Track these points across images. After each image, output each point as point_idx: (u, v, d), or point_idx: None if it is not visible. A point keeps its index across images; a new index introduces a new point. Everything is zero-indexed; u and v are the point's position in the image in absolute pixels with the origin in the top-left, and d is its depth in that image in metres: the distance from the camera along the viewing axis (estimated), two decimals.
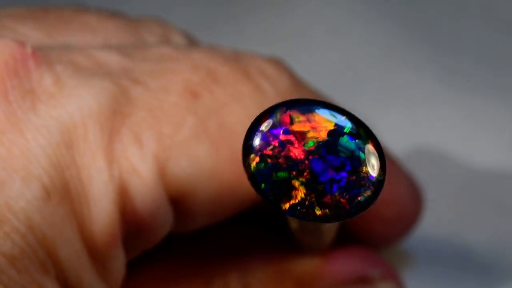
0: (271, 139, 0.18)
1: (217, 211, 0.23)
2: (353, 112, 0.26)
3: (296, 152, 0.18)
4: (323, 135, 0.18)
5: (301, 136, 0.18)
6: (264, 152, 0.18)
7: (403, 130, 0.31)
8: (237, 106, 0.22)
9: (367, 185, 0.18)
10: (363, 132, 0.18)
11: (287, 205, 0.18)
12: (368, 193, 0.18)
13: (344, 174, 0.18)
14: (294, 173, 0.18)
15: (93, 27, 0.24)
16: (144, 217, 0.21)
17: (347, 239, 0.26)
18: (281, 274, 0.25)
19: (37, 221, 0.19)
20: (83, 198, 0.20)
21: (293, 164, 0.18)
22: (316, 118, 0.18)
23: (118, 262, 0.21)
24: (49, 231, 0.20)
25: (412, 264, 0.29)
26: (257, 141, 0.18)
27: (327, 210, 0.18)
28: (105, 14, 0.24)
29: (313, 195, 0.18)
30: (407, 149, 0.30)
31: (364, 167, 0.18)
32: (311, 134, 0.18)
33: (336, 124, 0.18)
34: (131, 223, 0.21)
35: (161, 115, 0.21)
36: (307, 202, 0.18)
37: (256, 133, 0.18)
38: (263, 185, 0.18)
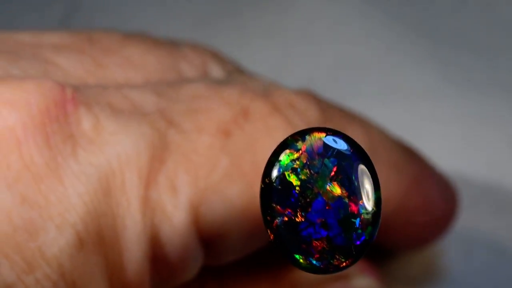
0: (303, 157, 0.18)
1: (249, 245, 0.23)
2: (353, 111, 0.26)
3: (317, 183, 0.18)
4: (343, 192, 0.18)
5: (329, 174, 0.18)
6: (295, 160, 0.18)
7: (403, 126, 0.31)
8: (268, 140, 0.22)
9: (326, 257, 0.18)
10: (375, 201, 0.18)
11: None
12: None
13: (323, 234, 0.18)
14: (299, 197, 0.18)
15: (135, 62, 0.23)
16: (175, 263, 0.21)
17: (379, 242, 0.26)
18: (257, 273, 0.25)
19: (68, 269, 0.19)
20: (115, 247, 0.20)
21: (306, 187, 0.18)
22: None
23: None
24: (80, 280, 0.19)
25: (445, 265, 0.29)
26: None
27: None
28: (149, 45, 0.24)
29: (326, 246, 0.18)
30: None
31: (339, 246, 0.18)
32: (336, 187, 0.18)
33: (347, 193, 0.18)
34: (161, 270, 0.21)
35: (195, 157, 0.21)
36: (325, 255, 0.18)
37: (288, 147, 0.18)
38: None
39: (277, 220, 0.18)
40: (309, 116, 0.23)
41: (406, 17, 0.36)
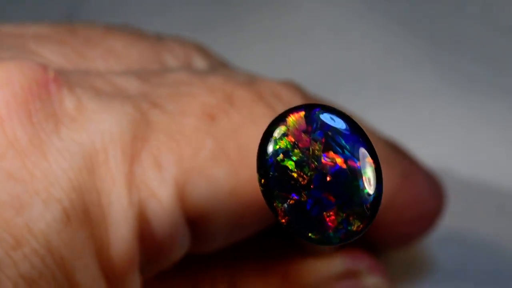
0: (296, 131, 0.18)
1: (236, 231, 0.23)
2: (355, 114, 0.26)
3: (313, 155, 0.18)
4: (342, 163, 0.18)
5: (327, 146, 0.18)
6: (288, 139, 0.18)
7: (403, 127, 0.31)
8: (253, 127, 0.22)
9: (340, 228, 0.18)
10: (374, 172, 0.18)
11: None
12: (337, 234, 0.18)
13: (331, 205, 0.18)
14: (299, 171, 0.18)
15: (118, 53, 0.24)
16: (162, 241, 0.21)
17: (366, 240, 0.26)
18: (269, 272, 0.25)
19: (56, 244, 0.19)
20: (102, 223, 0.20)
21: (305, 161, 0.18)
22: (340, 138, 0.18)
23: (134, 286, 0.21)
24: (68, 255, 0.20)
25: (431, 263, 0.29)
26: (277, 132, 0.18)
27: (292, 222, 0.18)
28: (132, 37, 0.24)
29: (346, 215, 0.18)
30: (407, 145, 0.30)
31: (349, 210, 0.18)
32: (335, 155, 0.18)
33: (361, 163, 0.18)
34: (148, 247, 0.21)
35: (180, 138, 0.22)
36: (335, 228, 0.18)
37: (282, 123, 0.18)
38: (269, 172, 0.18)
39: (284, 206, 0.18)
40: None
41: (405, 19, 0.36)
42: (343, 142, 0.18)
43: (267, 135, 0.18)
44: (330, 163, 0.18)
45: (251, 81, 0.24)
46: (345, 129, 0.18)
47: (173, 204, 0.21)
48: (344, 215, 0.18)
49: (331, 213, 0.18)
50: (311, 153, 0.18)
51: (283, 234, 0.26)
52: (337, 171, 0.18)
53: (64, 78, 0.21)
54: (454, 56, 0.35)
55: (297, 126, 0.18)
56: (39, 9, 0.37)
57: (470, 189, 0.31)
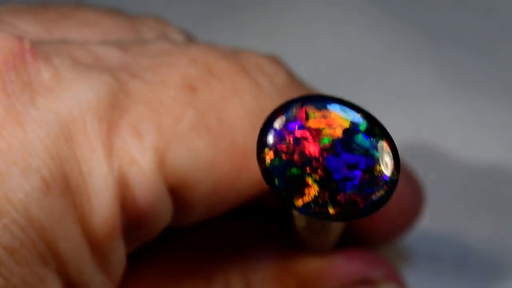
0: (286, 134, 0.18)
1: (215, 203, 0.23)
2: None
3: (311, 148, 0.18)
4: (338, 133, 0.18)
5: (316, 132, 0.18)
6: (279, 147, 0.18)
7: (403, 127, 0.30)
8: (235, 100, 0.22)
9: (380, 184, 0.18)
10: (378, 131, 0.18)
11: (300, 202, 0.18)
12: (382, 192, 0.18)
13: (358, 172, 0.18)
14: (308, 170, 0.18)
15: (92, 22, 0.24)
16: (144, 208, 0.21)
17: (347, 237, 0.26)
18: (283, 272, 0.25)
19: (36, 213, 0.19)
20: (83, 191, 0.20)
21: (307, 161, 0.18)
22: (332, 115, 0.18)
23: (119, 254, 0.21)
24: (49, 223, 0.20)
25: (411, 261, 0.29)
26: (271, 137, 0.18)
27: (340, 209, 0.18)
28: (105, 11, 0.24)
29: (327, 193, 0.18)
30: (407, 146, 0.30)
31: (378, 166, 0.18)
32: (326, 131, 0.18)
33: (351, 122, 0.18)
34: (131, 214, 0.21)
35: (160, 108, 0.22)
36: (320, 200, 0.18)
37: (271, 128, 0.18)
38: (276, 181, 0.18)
39: (303, 199, 0.17)
40: (278, 81, 0.23)
41: (406, 18, 0.36)
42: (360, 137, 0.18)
43: (267, 125, 0.18)
44: (336, 134, 0.18)
45: (234, 53, 0.24)
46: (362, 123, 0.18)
47: (154, 171, 0.21)
48: (369, 178, 0.17)
49: (365, 178, 0.17)
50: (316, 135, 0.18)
51: (290, 227, 0.25)
52: (344, 139, 0.18)
53: (41, 49, 0.21)
54: (455, 54, 0.35)
55: (294, 117, 0.18)
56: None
57: (470, 188, 0.31)
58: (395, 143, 0.18)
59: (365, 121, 0.18)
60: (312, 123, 0.18)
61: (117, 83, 0.21)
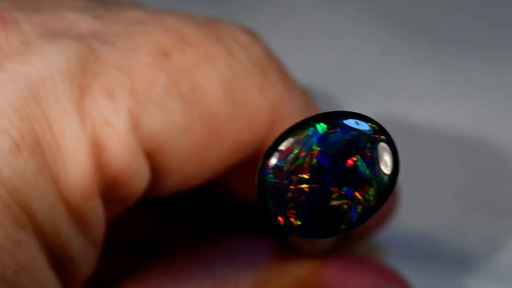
0: (286, 157, 0.18)
1: (190, 172, 0.23)
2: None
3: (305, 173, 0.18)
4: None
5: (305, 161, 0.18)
6: (279, 168, 0.18)
7: (401, 130, 0.30)
8: (208, 67, 0.22)
9: (365, 204, 0.18)
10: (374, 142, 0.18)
11: (289, 221, 0.18)
12: (368, 205, 0.18)
13: (349, 192, 0.18)
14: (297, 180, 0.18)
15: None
16: (120, 168, 0.21)
17: None
18: (293, 279, 0.25)
19: (7, 174, 0.19)
20: (55, 151, 0.20)
21: (299, 182, 0.18)
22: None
23: (97, 216, 0.21)
24: (21, 184, 0.20)
25: (410, 261, 0.29)
26: (273, 161, 0.18)
27: (327, 226, 0.18)
28: None
29: (317, 210, 0.18)
30: (406, 147, 0.30)
31: (366, 187, 0.18)
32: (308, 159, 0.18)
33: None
34: (107, 175, 0.21)
35: (132, 73, 0.22)
36: (308, 220, 0.18)
37: (276, 150, 0.18)
38: (269, 199, 0.18)
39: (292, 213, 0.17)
40: (253, 52, 0.23)
41: (403, 19, 0.36)
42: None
43: (272, 148, 0.18)
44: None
45: (209, 22, 0.24)
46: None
47: (128, 133, 0.21)
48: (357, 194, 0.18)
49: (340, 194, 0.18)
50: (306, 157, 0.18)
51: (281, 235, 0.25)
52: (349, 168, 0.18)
53: (10, 15, 0.21)
54: (454, 56, 0.35)
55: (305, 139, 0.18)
56: None
57: (468, 189, 0.31)
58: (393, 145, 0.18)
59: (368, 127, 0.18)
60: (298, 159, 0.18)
61: (87, 49, 0.21)
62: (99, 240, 0.22)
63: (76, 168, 0.21)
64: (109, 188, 0.22)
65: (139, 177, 0.22)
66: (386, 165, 0.18)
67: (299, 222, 0.18)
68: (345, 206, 0.18)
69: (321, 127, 0.18)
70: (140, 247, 0.27)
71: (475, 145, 0.32)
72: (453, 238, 0.30)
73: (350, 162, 0.18)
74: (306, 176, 0.18)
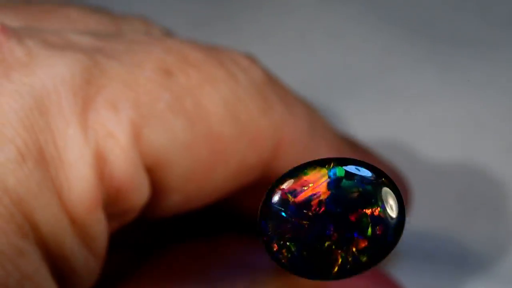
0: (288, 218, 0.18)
1: (192, 192, 0.23)
2: (354, 116, 0.26)
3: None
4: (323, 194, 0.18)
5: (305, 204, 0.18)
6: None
7: (401, 129, 0.30)
8: (211, 87, 0.22)
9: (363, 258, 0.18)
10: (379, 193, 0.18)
11: (335, 271, 0.18)
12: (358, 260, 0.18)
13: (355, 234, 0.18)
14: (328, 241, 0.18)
15: (74, 19, 0.24)
16: (122, 181, 0.21)
17: None
18: (286, 284, 0.25)
19: (12, 183, 0.19)
20: (58, 163, 0.20)
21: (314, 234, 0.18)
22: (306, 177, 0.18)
23: (100, 229, 0.21)
24: (25, 194, 0.20)
25: (410, 261, 0.29)
26: (285, 187, 0.18)
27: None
28: (89, 10, 0.25)
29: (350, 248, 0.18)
30: (405, 148, 0.30)
31: (362, 244, 0.18)
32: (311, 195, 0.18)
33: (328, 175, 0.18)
34: (109, 187, 0.21)
35: (136, 87, 0.22)
36: (349, 259, 0.18)
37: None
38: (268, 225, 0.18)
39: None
40: (254, 76, 0.23)
41: (403, 19, 0.36)
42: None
43: (273, 188, 0.18)
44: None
45: (210, 47, 0.24)
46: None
47: (130, 145, 0.21)
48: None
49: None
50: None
51: None
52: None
53: (14, 30, 0.21)
54: (454, 57, 0.35)
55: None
56: None
57: (469, 189, 0.31)
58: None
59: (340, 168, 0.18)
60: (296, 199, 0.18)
61: (92, 62, 0.21)
62: (102, 253, 0.22)
63: (79, 180, 0.20)
64: (111, 201, 0.21)
65: (139, 191, 0.22)
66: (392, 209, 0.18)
67: (289, 255, 0.18)
68: (339, 255, 0.18)
69: (340, 171, 0.18)
70: (137, 248, 0.27)
71: (475, 145, 0.32)
72: (453, 238, 0.29)
73: (356, 215, 0.18)
74: (310, 214, 0.18)
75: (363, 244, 0.17)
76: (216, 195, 0.23)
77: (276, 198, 0.18)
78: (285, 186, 0.18)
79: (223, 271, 0.25)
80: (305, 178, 0.18)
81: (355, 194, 0.18)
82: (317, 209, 0.18)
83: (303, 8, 0.37)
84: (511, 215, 0.30)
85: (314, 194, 0.18)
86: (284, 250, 0.18)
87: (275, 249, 0.18)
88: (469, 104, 0.33)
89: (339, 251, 0.18)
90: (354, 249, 0.18)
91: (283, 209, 0.18)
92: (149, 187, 0.22)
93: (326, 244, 0.18)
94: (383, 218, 0.17)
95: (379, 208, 0.17)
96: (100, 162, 0.21)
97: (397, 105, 0.33)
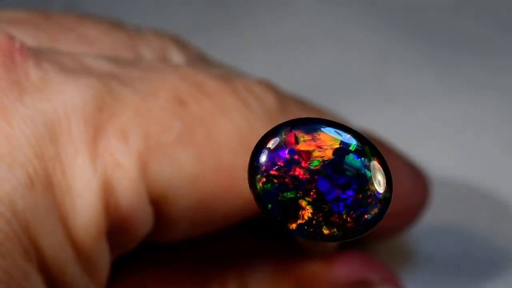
0: (277, 159, 0.18)
1: (200, 221, 0.23)
2: (353, 119, 0.26)
3: (302, 171, 0.18)
4: (328, 154, 0.18)
5: (307, 155, 0.18)
6: (270, 172, 0.18)
7: (401, 131, 0.30)
8: (223, 118, 0.22)
9: (373, 203, 0.18)
10: (368, 150, 0.18)
11: (294, 225, 0.18)
12: (375, 210, 0.18)
13: (350, 192, 0.18)
14: (301, 192, 0.18)
15: (92, 40, 0.24)
16: (127, 212, 0.21)
17: None
18: (280, 275, 0.25)
19: (21, 207, 0.19)
20: (66, 191, 0.20)
21: (299, 184, 0.18)
22: (321, 136, 0.18)
23: (103, 258, 0.21)
24: (32, 219, 0.20)
25: (411, 261, 0.29)
26: (263, 161, 0.18)
27: (335, 229, 0.18)
28: (107, 26, 0.24)
29: (320, 214, 0.18)
30: (404, 149, 0.30)
31: (370, 185, 0.18)
32: (316, 153, 0.18)
33: (341, 142, 0.18)
34: (114, 217, 0.21)
35: (148, 115, 0.22)
36: (314, 222, 0.18)
37: (261, 153, 0.18)
38: (269, 206, 0.18)
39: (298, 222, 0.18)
40: (267, 103, 0.23)
41: (402, 21, 0.36)
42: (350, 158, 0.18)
43: (259, 145, 0.18)
44: (327, 155, 0.18)
45: (225, 75, 0.24)
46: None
47: (137, 176, 0.21)
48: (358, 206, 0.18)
49: (358, 197, 0.18)
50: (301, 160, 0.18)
51: (287, 237, 0.25)
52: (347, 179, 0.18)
53: (31, 51, 0.21)
54: (452, 58, 0.35)
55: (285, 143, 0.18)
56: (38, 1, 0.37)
57: (468, 192, 0.31)
58: (387, 161, 0.18)
59: (355, 141, 0.18)
60: (301, 146, 0.18)
61: (105, 88, 0.21)
62: (103, 281, 0.22)
63: (85, 208, 0.21)
64: (114, 231, 0.22)
65: (143, 222, 0.22)
66: (379, 185, 0.18)
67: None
68: (306, 213, 0.18)
69: (353, 146, 0.18)
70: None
71: (475, 146, 0.32)
72: (453, 238, 0.30)
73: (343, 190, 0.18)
74: (305, 164, 0.18)
75: (336, 219, 0.18)
76: (227, 222, 0.23)
77: (285, 137, 0.18)
78: (298, 132, 0.18)
79: (213, 267, 0.25)
80: (321, 135, 0.18)
81: (351, 173, 0.18)
82: (314, 164, 0.18)
83: (303, 10, 0.37)
84: (510, 214, 0.30)
85: (320, 149, 0.18)
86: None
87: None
88: (469, 104, 0.33)
89: (311, 211, 0.18)
90: (320, 218, 0.18)
91: (287, 149, 0.18)
92: (153, 218, 0.22)
93: (305, 198, 0.18)
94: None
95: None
96: (106, 192, 0.21)
97: (397, 106, 0.33)
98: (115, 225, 0.21)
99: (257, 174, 0.18)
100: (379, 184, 0.18)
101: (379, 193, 0.18)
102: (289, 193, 0.18)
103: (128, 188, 0.21)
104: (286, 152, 0.18)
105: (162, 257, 0.25)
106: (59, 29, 0.24)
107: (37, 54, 0.21)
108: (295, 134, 0.18)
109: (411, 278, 0.28)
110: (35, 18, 0.24)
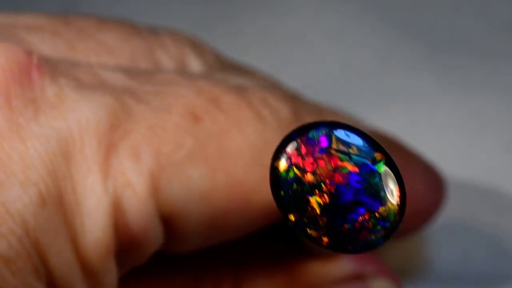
0: (305, 151, 0.18)
1: (212, 235, 0.23)
2: (358, 120, 0.26)
3: (325, 173, 0.18)
4: (355, 167, 0.18)
5: (334, 160, 0.18)
6: (295, 161, 0.18)
7: (401, 131, 0.30)
8: (237, 133, 0.22)
9: (379, 228, 0.18)
10: (393, 176, 0.18)
11: (296, 218, 0.18)
12: (378, 236, 0.18)
13: (362, 210, 0.18)
14: (316, 192, 0.18)
15: (110, 48, 0.24)
16: (136, 232, 0.21)
17: None
18: (275, 274, 0.25)
19: (32, 225, 0.20)
20: (76, 210, 0.21)
21: (318, 183, 0.18)
22: (354, 148, 0.18)
23: (111, 276, 0.21)
24: (43, 237, 0.20)
25: (411, 261, 0.29)
26: (291, 148, 0.18)
27: (333, 240, 0.18)
28: (126, 32, 0.24)
29: (325, 219, 0.18)
30: None
31: (382, 209, 0.18)
32: (344, 162, 0.18)
33: (371, 160, 0.18)
34: (123, 237, 0.21)
35: (161, 133, 0.22)
36: (315, 224, 0.18)
37: (293, 140, 0.18)
38: (282, 193, 0.18)
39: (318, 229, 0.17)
40: (281, 114, 0.23)
41: (403, 20, 0.36)
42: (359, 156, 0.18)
43: (278, 152, 0.18)
44: (344, 179, 0.18)
45: (240, 87, 0.24)
46: (362, 145, 0.18)
47: (147, 195, 0.21)
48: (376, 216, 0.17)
49: (365, 218, 0.17)
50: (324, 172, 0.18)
51: (290, 236, 0.25)
52: (356, 185, 0.18)
53: (48, 66, 0.21)
54: (453, 58, 0.35)
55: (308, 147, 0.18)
56: (37, 1, 0.37)
57: (468, 192, 0.31)
58: (404, 188, 0.18)
59: (383, 164, 0.18)
60: (334, 150, 0.18)
61: (119, 105, 0.21)
62: None
63: (95, 227, 0.21)
64: (123, 250, 0.22)
65: (152, 240, 0.22)
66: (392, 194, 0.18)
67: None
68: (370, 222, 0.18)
69: (380, 168, 0.18)
70: None
71: (475, 146, 0.32)
72: (453, 238, 0.30)
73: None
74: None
75: (337, 230, 0.18)
76: (240, 234, 0.24)
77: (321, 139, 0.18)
78: (334, 136, 0.18)
79: (207, 266, 0.25)
80: (353, 147, 0.18)
81: (369, 192, 0.18)
82: (339, 170, 0.18)
83: (303, 9, 0.37)
84: (511, 215, 0.30)
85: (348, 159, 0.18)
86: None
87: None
88: (469, 104, 0.33)
89: (317, 212, 0.18)
90: (323, 223, 0.18)
91: (319, 147, 0.18)
92: (162, 236, 0.22)
93: (317, 199, 0.18)
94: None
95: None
96: (116, 211, 0.21)
97: (397, 105, 0.33)
98: (124, 244, 0.21)
99: (282, 158, 0.18)
100: (389, 214, 0.18)
101: (387, 223, 0.18)
102: (304, 187, 0.18)
103: (138, 208, 0.21)
104: (317, 149, 0.18)
105: (156, 256, 0.25)
106: (77, 36, 0.24)
107: (54, 68, 0.21)
108: (331, 136, 0.18)
109: (411, 279, 0.28)
110: (54, 24, 0.24)
